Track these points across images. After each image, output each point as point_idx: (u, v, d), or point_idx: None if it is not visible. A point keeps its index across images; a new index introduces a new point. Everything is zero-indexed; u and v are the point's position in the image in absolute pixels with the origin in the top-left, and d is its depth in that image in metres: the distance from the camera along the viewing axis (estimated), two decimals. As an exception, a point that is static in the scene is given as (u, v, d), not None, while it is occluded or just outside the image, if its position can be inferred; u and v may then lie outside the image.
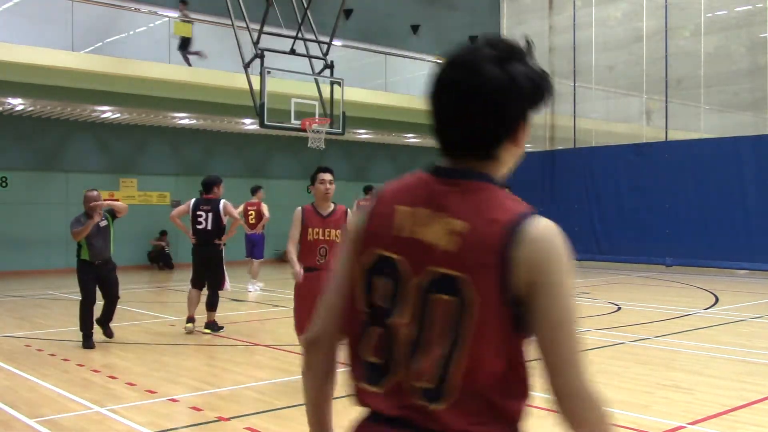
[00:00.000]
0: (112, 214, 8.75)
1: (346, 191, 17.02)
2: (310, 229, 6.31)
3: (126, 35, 17.05)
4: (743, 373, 7.10)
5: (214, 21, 17.18)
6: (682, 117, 19.01)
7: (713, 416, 5.61)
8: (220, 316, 9.82)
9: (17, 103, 16.63)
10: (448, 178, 1.51)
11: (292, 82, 15.41)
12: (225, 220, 9.54)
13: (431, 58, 21.84)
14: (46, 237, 18.16)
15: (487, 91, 1.46)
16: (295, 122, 14.89)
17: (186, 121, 19.67)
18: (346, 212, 6.48)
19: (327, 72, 15.31)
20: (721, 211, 16.85)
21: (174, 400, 6.18)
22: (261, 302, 12.88)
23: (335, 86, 15.16)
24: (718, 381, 6.79)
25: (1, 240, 17.73)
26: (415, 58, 21.70)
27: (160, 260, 19.60)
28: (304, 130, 14.94)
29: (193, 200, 9.70)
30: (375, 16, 22.91)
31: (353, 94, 16.78)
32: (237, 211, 12.58)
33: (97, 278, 8.54)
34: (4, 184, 18.06)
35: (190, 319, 9.41)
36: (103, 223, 8.52)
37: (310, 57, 15.37)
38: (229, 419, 5.57)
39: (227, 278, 9.77)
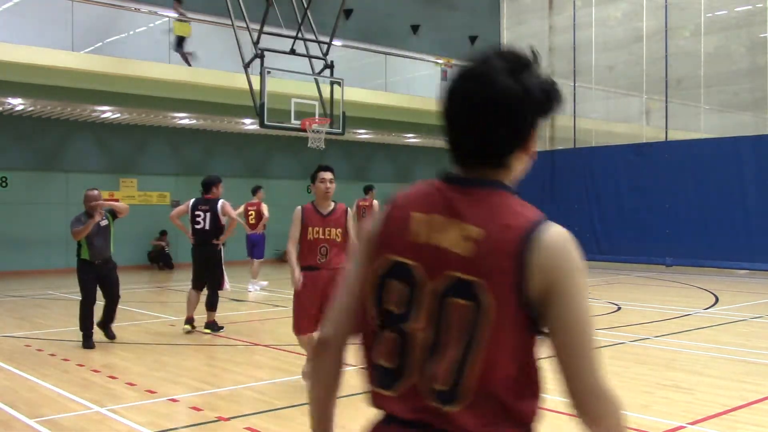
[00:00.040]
0: (113, 213, 8.74)
1: (346, 191, 16.98)
2: (310, 228, 6.28)
3: (126, 35, 17.05)
4: (743, 373, 7.09)
5: (214, 21, 17.18)
6: (682, 117, 19.01)
7: (713, 416, 5.61)
8: (220, 316, 9.82)
9: (17, 103, 16.63)
10: (462, 185, 1.55)
11: (292, 82, 15.41)
12: (223, 220, 9.52)
13: (431, 58, 21.86)
14: (46, 237, 18.16)
15: (502, 102, 1.49)
16: (295, 122, 14.89)
17: (186, 121, 19.67)
18: (346, 211, 6.45)
19: (327, 72, 15.31)
20: (721, 211, 16.84)
21: (174, 400, 6.18)
22: (261, 302, 12.88)
23: (335, 86, 15.16)
24: (718, 381, 6.79)
25: (1, 240, 17.74)
26: (415, 58, 21.71)
27: (160, 260, 19.60)
28: (304, 130, 14.94)
29: (192, 200, 9.70)
30: (375, 16, 22.91)
31: (353, 94, 16.79)
32: (237, 212, 12.61)
33: (98, 278, 8.54)
34: (4, 184, 18.07)
35: (189, 320, 9.41)
36: (104, 223, 8.52)
37: (310, 57, 15.37)
38: (229, 419, 5.57)
39: (226, 278, 9.77)
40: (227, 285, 9.86)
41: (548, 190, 19.76)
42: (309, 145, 14.99)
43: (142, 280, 16.74)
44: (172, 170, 20.46)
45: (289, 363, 7.52)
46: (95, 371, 7.27)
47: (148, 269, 19.28)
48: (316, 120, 14.97)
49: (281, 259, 18.29)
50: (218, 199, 9.53)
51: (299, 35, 14.98)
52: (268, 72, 14.17)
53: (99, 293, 8.59)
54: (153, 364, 7.61)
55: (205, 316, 9.55)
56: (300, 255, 6.38)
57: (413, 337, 1.52)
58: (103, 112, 17.86)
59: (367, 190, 15.22)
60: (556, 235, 1.47)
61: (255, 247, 14.06)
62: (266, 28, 14.46)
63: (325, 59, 15.32)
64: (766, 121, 17.22)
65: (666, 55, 18.46)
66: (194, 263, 9.71)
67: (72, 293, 12.26)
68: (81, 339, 8.45)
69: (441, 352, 1.48)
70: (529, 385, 1.49)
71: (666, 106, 18.59)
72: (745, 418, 5.57)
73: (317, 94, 15.25)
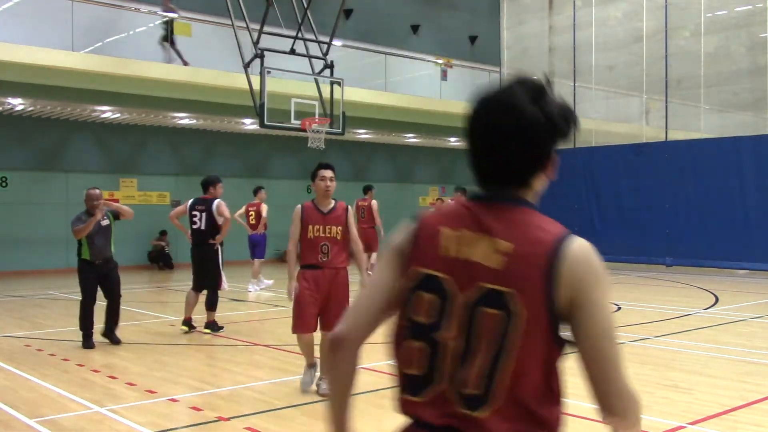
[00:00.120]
0: (115, 214, 8.73)
1: (346, 191, 16.99)
2: (310, 227, 6.24)
3: (126, 35, 17.05)
4: (743, 373, 7.09)
5: (214, 21, 17.18)
6: (682, 117, 19.00)
7: (713, 416, 5.61)
8: (220, 316, 9.82)
9: (17, 103, 16.63)
10: (488, 202, 1.66)
11: (292, 82, 15.41)
12: (219, 220, 9.49)
13: (431, 58, 21.87)
14: (46, 237, 18.16)
15: (527, 130, 1.59)
16: (295, 122, 14.88)
17: (186, 121, 19.67)
18: (347, 209, 6.41)
19: (327, 72, 15.31)
20: (721, 211, 16.84)
21: (174, 400, 6.18)
22: (261, 302, 12.89)
23: (335, 86, 15.15)
24: (718, 381, 6.79)
25: (1, 240, 17.74)
26: (415, 58, 21.72)
27: (160, 260, 19.60)
28: (304, 130, 14.93)
29: (190, 200, 9.71)
30: (375, 16, 22.92)
31: (353, 94, 16.79)
32: (238, 213, 12.58)
33: (98, 277, 8.53)
34: (4, 184, 18.07)
35: (186, 321, 9.41)
36: (105, 222, 8.51)
37: (310, 57, 15.36)
38: (229, 419, 5.57)
39: (224, 278, 9.76)
40: (225, 285, 9.85)
41: (548, 190, 19.63)
42: (309, 145, 14.99)
43: (142, 280, 16.74)
44: (172, 170, 20.46)
45: (289, 363, 7.52)
46: (95, 371, 7.28)
47: (148, 269, 19.29)
48: (316, 120, 14.97)
49: (282, 259, 18.29)
50: (214, 199, 9.52)
51: (299, 35, 14.97)
52: (268, 72, 14.16)
53: (99, 293, 8.59)
54: (153, 364, 7.61)
55: (205, 316, 9.56)
56: (301, 254, 6.36)
57: (444, 345, 1.60)
58: (103, 112, 17.86)
59: (366, 190, 15.21)
60: (580, 248, 1.57)
61: (256, 248, 14.08)
62: (266, 28, 14.45)
63: (325, 59, 15.32)
64: (766, 121, 17.21)
65: (666, 55, 18.46)
66: (193, 264, 9.71)
67: (72, 293, 12.26)
68: (81, 339, 8.46)
69: (471, 360, 1.56)
70: (552, 392, 1.57)
71: (666, 106, 18.58)
72: (745, 418, 5.57)
73: (317, 94, 15.25)
